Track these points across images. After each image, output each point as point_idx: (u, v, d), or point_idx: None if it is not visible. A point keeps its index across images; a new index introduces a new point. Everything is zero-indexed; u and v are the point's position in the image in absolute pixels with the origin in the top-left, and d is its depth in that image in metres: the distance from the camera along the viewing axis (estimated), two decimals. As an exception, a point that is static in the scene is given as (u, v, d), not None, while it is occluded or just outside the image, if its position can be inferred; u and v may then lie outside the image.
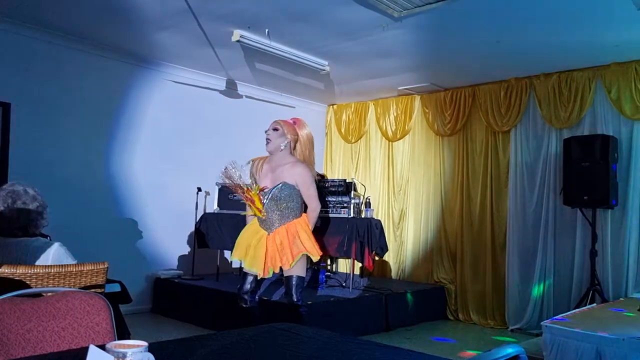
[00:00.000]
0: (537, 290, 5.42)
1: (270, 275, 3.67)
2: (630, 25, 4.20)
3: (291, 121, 3.84)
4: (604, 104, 5.21)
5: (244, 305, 3.81)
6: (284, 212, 3.64)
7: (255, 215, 3.72)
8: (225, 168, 3.70)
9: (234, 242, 3.88)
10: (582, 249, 5.19)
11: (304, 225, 3.68)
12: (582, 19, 4.12)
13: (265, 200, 3.63)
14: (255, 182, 3.75)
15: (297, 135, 3.80)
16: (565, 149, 5.14)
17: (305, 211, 3.78)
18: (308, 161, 3.81)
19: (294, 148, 3.81)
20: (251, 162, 3.86)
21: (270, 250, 3.60)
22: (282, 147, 3.70)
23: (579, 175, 4.97)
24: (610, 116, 5.17)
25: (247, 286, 3.77)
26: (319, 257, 3.69)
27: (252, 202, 3.64)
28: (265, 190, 3.65)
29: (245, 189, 3.66)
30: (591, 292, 4.86)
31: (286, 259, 3.56)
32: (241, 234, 3.85)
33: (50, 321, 1.48)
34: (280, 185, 3.63)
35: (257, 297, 4.01)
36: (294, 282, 3.64)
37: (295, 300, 3.65)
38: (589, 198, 4.91)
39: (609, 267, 5.03)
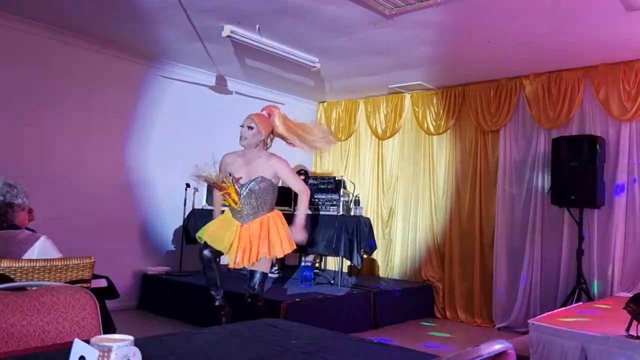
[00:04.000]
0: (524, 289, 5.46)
1: (240, 267, 3.70)
2: (619, 26, 4.23)
3: (265, 113, 3.81)
4: (592, 104, 5.25)
5: (216, 305, 3.89)
6: (259, 206, 3.70)
7: (229, 206, 3.75)
8: (193, 173, 3.73)
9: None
10: (569, 248, 5.23)
11: (277, 221, 3.74)
12: (572, 18, 4.15)
13: (242, 193, 3.67)
14: (229, 175, 3.75)
15: (272, 126, 3.77)
16: (554, 148, 5.17)
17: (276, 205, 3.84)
18: (308, 131, 3.84)
19: (273, 140, 3.85)
20: (222, 157, 3.86)
21: (243, 242, 3.65)
22: (257, 144, 3.72)
23: (567, 175, 5.01)
24: (598, 116, 5.21)
25: (217, 289, 3.86)
26: (283, 255, 3.76)
27: (229, 194, 3.66)
28: (242, 182, 3.67)
29: (221, 180, 3.68)
30: (577, 290, 4.91)
31: (250, 257, 3.62)
32: (214, 221, 3.87)
33: (35, 315, 1.46)
34: (257, 178, 3.67)
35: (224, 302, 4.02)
36: (258, 278, 3.73)
37: (255, 290, 3.74)
38: (576, 198, 4.95)
39: (595, 266, 5.08)
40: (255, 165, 3.70)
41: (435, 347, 4.71)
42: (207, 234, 3.77)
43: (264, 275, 3.79)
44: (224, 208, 3.93)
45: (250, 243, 3.64)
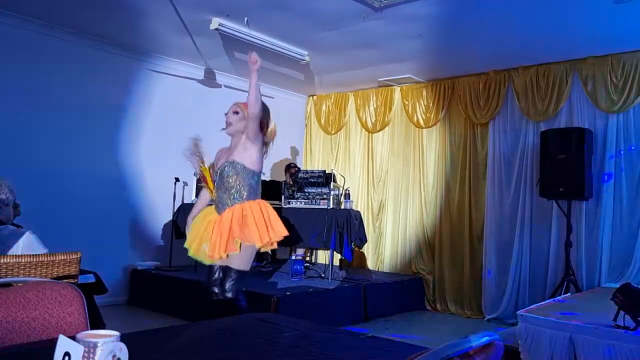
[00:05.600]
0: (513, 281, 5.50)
1: (213, 261, 3.38)
2: (607, 19, 4.25)
3: (239, 103, 3.72)
4: (580, 97, 5.28)
5: (215, 298, 3.52)
6: (231, 193, 3.42)
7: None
8: (192, 149, 3.63)
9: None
10: (557, 240, 5.27)
11: (255, 208, 3.38)
12: (560, 11, 4.15)
13: (215, 178, 3.49)
14: (211, 163, 3.65)
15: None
16: (542, 141, 5.20)
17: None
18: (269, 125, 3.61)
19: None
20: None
21: (215, 233, 3.33)
22: (242, 130, 3.49)
23: (555, 167, 5.04)
24: (586, 109, 5.25)
25: (215, 276, 3.49)
26: (261, 245, 3.34)
27: (205, 180, 3.56)
28: (216, 169, 3.52)
29: (200, 163, 3.59)
30: (566, 282, 4.95)
31: (219, 247, 3.27)
32: (193, 224, 3.60)
33: (20, 311, 1.44)
34: (229, 162, 3.44)
35: (226, 290, 3.58)
36: (231, 275, 3.34)
37: (228, 295, 3.34)
38: (564, 190, 4.99)
39: (583, 258, 5.12)
40: (235, 151, 3.47)
41: (425, 338, 4.73)
42: (188, 241, 3.50)
43: (240, 275, 3.35)
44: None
45: (220, 234, 3.28)
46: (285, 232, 3.46)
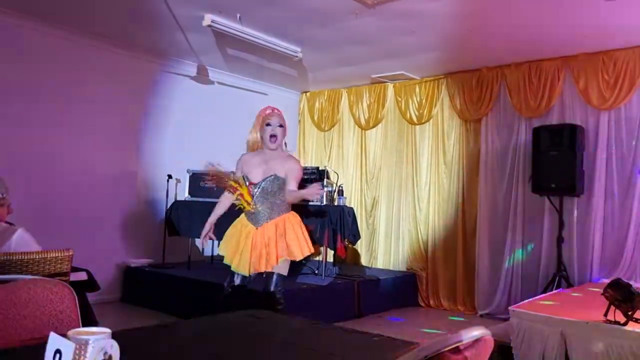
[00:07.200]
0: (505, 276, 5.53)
1: (256, 272, 3.53)
2: (598, 16, 4.27)
3: (280, 112, 3.69)
4: (572, 93, 5.31)
5: (229, 290, 3.61)
6: (273, 206, 3.52)
7: (244, 209, 3.57)
8: (209, 170, 3.62)
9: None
10: (549, 235, 5.30)
11: (294, 222, 3.56)
12: (552, 8, 4.17)
13: (255, 192, 3.51)
14: (242, 176, 3.63)
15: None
16: (535, 137, 5.22)
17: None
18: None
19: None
20: (240, 157, 3.69)
21: (259, 245, 3.46)
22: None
23: (547, 163, 5.07)
24: (578, 106, 5.28)
25: (237, 281, 3.60)
26: (302, 257, 3.56)
27: (242, 195, 3.54)
28: (255, 181, 3.53)
29: (234, 182, 3.56)
30: (557, 277, 4.99)
31: (269, 261, 3.45)
32: (230, 227, 3.67)
33: (11, 309, 1.44)
34: (271, 177, 3.50)
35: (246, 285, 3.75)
36: (274, 280, 3.54)
37: (279, 299, 3.55)
38: (556, 186, 5.02)
39: (574, 254, 5.16)
40: (273, 164, 3.52)
41: (417, 334, 4.76)
42: (225, 250, 3.56)
43: (282, 278, 3.58)
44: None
45: (267, 247, 3.45)
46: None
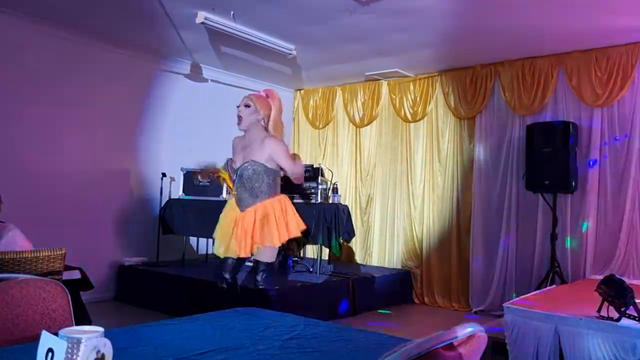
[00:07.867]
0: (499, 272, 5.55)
1: (240, 256, 3.56)
2: (591, 13, 4.28)
3: (264, 94, 3.70)
4: (565, 91, 5.33)
5: (224, 287, 3.66)
6: (253, 192, 3.50)
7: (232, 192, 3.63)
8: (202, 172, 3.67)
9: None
10: (543, 232, 5.32)
11: (275, 207, 3.52)
12: (545, 6, 4.17)
13: (234, 179, 3.54)
14: (227, 160, 3.66)
15: (270, 108, 3.64)
16: (528, 135, 5.24)
17: (282, 191, 3.68)
18: (278, 124, 3.66)
19: (268, 121, 3.66)
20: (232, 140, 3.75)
21: (240, 231, 3.49)
22: (255, 123, 3.53)
23: (540, 160, 5.08)
24: (572, 103, 5.29)
25: (228, 261, 3.62)
26: (279, 244, 3.56)
27: (225, 180, 3.59)
28: (234, 167, 3.56)
29: (216, 170, 3.61)
30: (551, 274, 5.01)
31: (245, 247, 3.46)
32: (224, 208, 3.76)
33: (4, 308, 1.43)
34: (245, 164, 3.51)
35: (237, 278, 3.83)
36: (260, 268, 3.59)
37: (260, 287, 3.60)
38: (550, 183, 5.04)
39: (568, 250, 5.18)
40: (251, 150, 3.51)
41: (412, 331, 4.77)
42: (218, 240, 3.61)
43: (267, 266, 3.58)
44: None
45: (245, 233, 3.45)
46: (302, 227, 3.62)
